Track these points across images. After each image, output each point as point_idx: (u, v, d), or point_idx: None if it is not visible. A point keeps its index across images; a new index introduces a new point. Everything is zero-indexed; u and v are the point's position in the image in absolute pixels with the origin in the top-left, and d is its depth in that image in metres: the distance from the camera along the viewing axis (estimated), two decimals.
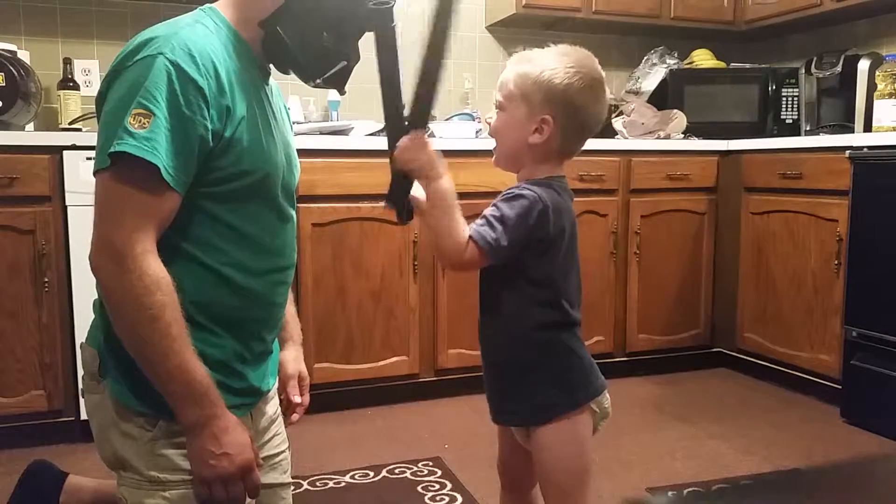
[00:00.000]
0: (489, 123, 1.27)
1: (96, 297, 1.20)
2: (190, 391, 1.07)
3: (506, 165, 1.27)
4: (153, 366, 1.07)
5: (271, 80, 1.28)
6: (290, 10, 1.14)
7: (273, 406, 1.39)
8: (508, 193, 1.20)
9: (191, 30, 1.10)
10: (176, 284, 1.08)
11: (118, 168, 1.03)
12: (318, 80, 1.22)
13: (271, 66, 1.23)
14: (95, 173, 1.06)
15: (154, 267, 1.04)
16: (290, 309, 1.43)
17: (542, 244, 1.19)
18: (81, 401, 2.04)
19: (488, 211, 1.19)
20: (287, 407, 1.42)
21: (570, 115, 1.20)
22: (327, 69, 1.21)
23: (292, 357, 1.43)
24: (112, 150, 1.01)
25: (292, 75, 1.22)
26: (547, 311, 1.23)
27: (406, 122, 1.18)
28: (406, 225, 1.18)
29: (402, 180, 1.19)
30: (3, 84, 2.34)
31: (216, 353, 1.15)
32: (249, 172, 1.14)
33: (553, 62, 1.19)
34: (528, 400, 1.24)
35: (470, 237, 1.15)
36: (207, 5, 1.19)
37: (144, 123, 1.01)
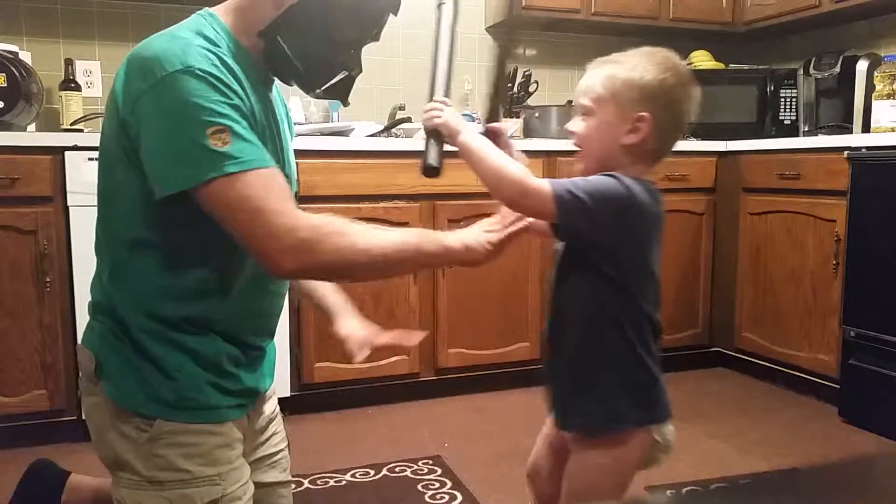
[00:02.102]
0: (573, 132, 1.21)
1: (91, 299, 1.21)
2: (431, 257, 1.16)
3: (596, 172, 1.18)
4: (391, 272, 1.17)
5: (274, 87, 1.28)
6: (291, 20, 1.14)
7: (271, 405, 1.40)
8: (603, 174, 1.14)
9: (199, 40, 1.10)
10: (169, 293, 1.12)
11: (228, 183, 1.04)
12: (318, 91, 1.22)
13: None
14: (189, 190, 1.06)
15: (315, 221, 1.09)
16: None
17: (622, 242, 1.15)
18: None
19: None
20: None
21: (667, 110, 1.16)
22: (328, 80, 1.21)
23: (349, 329, 1.39)
24: (215, 174, 1.03)
25: None
26: (618, 316, 1.16)
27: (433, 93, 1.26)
28: (432, 178, 1.23)
29: (429, 140, 1.23)
30: (5, 85, 2.35)
31: (209, 352, 1.17)
32: None
33: (640, 60, 1.16)
34: (592, 405, 1.17)
35: (549, 183, 1.11)
36: (206, 11, 1.18)
37: (225, 139, 1.04)
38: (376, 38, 1.24)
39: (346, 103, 1.28)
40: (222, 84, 1.06)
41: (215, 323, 1.18)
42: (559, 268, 1.23)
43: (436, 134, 1.20)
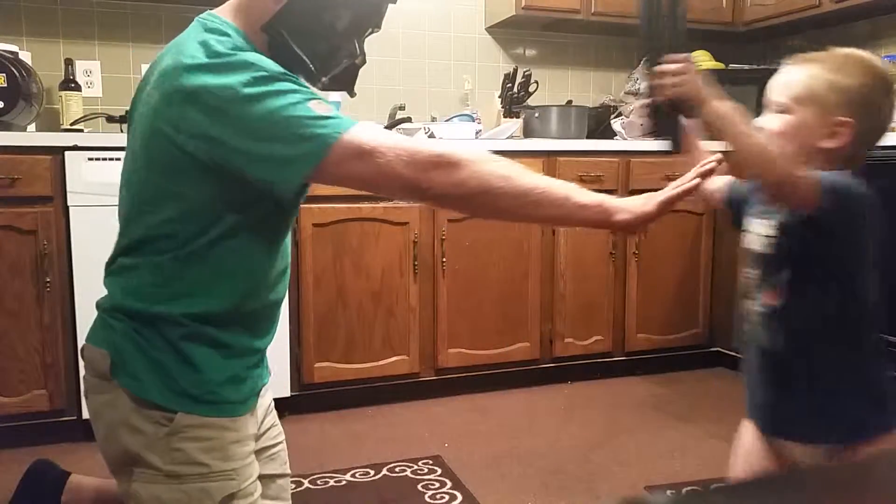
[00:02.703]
0: (766, 129, 1.13)
1: (99, 297, 1.21)
2: (578, 208, 1.10)
3: None
4: (532, 212, 1.11)
5: None
6: (292, 12, 1.15)
7: (267, 398, 1.41)
8: (835, 171, 1.08)
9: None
10: (214, 293, 1.14)
11: (349, 139, 1.06)
12: (323, 80, 1.23)
13: None
14: (326, 158, 1.06)
15: (452, 148, 1.09)
16: None
17: (859, 238, 1.11)
18: (83, 400, 2.05)
19: None
20: None
21: (868, 116, 1.10)
22: (332, 69, 1.22)
23: None
24: (342, 129, 1.06)
25: None
26: (850, 319, 1.11)
27: (664, 50, 1.09)
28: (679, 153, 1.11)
29: (669, 110, 1.10)
30: (5, 85, 2.35)
31: (238, 346, 1.20)
32: None
33: (845, 62, 1.11)
34: (833, 416, 1.10)
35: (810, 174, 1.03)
36: (211, 15, 1.18)
37: (325, 107, 1.08)
38: (377, 26, 1.25)
39: (352, 94, 1.29)
40: (290, 76, 1.10)
41: (248, 317, 1.20)
42: (773, 267, 1.15)
43: (673, 104, 1.07)
